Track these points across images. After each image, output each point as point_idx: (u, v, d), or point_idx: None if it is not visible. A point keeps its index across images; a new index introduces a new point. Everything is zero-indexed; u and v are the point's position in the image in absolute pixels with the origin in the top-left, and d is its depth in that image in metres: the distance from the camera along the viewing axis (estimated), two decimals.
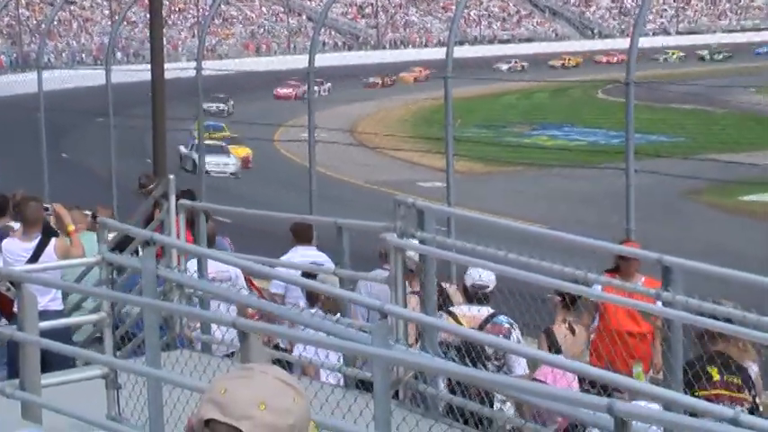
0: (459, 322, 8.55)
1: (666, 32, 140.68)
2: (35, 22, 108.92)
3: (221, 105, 71.17)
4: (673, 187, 35.75)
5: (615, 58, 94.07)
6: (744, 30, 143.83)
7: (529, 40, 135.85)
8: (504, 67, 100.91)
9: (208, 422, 2.57)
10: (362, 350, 6.02)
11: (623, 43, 16.64)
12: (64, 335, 9.17)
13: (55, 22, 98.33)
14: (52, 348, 7.46)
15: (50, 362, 8.71)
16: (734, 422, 4.51)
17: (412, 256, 8.94)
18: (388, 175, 46.37)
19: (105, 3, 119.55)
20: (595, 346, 9.75)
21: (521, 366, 8.43)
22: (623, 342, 9.38)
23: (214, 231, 11.17)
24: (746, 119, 69.92)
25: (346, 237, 9.29)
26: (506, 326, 8.60)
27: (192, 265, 9.91)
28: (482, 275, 8.75)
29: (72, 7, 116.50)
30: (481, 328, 8.53)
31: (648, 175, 19.88)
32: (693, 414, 5.03)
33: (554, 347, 8.62)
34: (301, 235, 11.70)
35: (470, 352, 7.86)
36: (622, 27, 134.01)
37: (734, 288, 7.74)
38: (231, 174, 49.22)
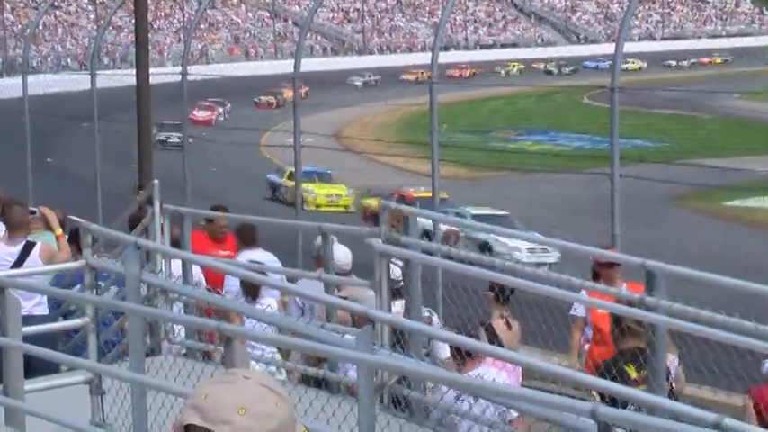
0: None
1: (652, 38, 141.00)
2: (20, 26, 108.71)
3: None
4: (657, 192, 35.83)
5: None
6: (729, 35, 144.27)
7: (514, 45, 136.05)
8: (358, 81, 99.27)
9: (188, 427, 2.56)
10: (347, 355, 6.02)
11: (608, 48, 16.67)
12: (49, 340, 9.15)
13: (40, 27, 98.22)
14: (35, 354, 7.44)
15: (35, 367, 8.69)
16: (717, 426, 4.52)
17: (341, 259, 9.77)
18: (374, 180, 46.37)
19: (90, 7, 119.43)
20: (592, 355, 9.56)
21: (444, 351, 8.78)
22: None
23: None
24: (731, 124, 70.15)
25: (330, 242, 9.30)
26: (426, 314, 9.06)
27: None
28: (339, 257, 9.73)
29: (57, 12, 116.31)
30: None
31: (633, 180, 19.92)
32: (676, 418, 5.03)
33: (496, 341, 8.71)
34: (245, 237, 11.69)
35: (399, 340, 8.02)
36: (608, 32, 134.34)
37: (717, 292, 7.77)
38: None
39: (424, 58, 18.56)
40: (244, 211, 15.37)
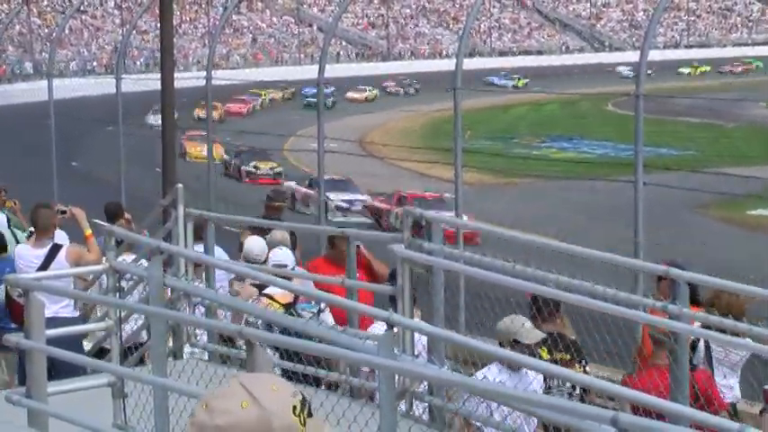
0: (276, 302, 9.35)
1: (677, 46, 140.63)
2: (47, 30, 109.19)
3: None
4: (681, 200, 35.70)
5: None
6: (755, 43, 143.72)
7: (539, 52, 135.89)
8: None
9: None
10: (368, 360, 6.02)
11: (633, 56, 16.63)
12: (74, 342, 9.18)
13: (66, 31, 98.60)
14: (58, 356, 7.46)
15: (60, 369, 8.73)
16: None
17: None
18: (397, 186, 46.30)
19: (116, 12, 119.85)
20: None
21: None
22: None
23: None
24: (756, 132, 69.83)
25: (353, 247, 9.30)
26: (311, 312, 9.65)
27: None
28: (280, 257, 10.10)
29: (83, 16, 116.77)
30: (296, 300, 9.58)
31: (657, 187, 19.86)
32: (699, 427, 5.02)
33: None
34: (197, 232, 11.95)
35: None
36: (633, 40, 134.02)
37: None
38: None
39: (449, 64, 18.54)
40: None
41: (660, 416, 5.88)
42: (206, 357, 9.60)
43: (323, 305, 9.84)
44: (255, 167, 50.82)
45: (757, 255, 30.92)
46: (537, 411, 6.38)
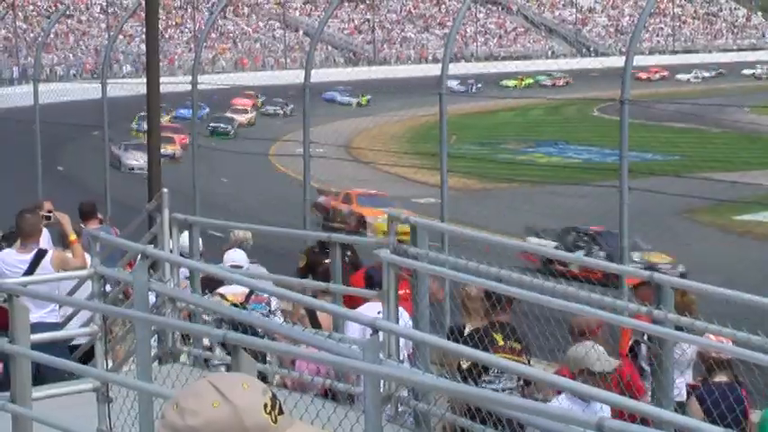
0: (227, 300, 9.64)
1: (662, 51, 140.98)
2: (32, 34, 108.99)
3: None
4: (667, 206, 35.77)
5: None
6: (740, 49, 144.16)
7: (525, 57, 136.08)
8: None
9: None
10: (353, 365, 6.02)
11: (618, 61, 16.67)
12: (59, 348, 9.16)
13: (52, 36, 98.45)
14: (42, 361, 7.45)
15: (46, 375, 8.70)
16: None
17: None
18: (383, 191, 46.32)
19: (102, 16, 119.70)
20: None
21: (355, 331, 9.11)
22: None
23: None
24: (741, 138, 70.04)
25: (338, 252, 9.30)
26: (266, 295, 9.93)
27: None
28: (235, 257, 10.44)
29: (69, 21, 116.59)
30: (247, 300, 9.85)
31: (643, 193, 19.88)
32: None
33: (316, 324, 9.41)
34: (85, 213, 12.89)
35: (237, 327, 8.26)
36: (619, 45, 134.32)
37: (724, 306, 7.77)
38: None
39: (434, 69, 18.56)
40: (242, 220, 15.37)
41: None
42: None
43: (273, 307, 9.97)
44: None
45: (744, 259, 31.02)
46: (522, 416, 6.38)
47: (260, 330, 8.44)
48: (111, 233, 12.17)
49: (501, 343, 8.27)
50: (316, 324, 9.43)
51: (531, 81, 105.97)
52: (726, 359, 8.15)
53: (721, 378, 8.20)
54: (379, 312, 9.13)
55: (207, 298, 9.42)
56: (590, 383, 6.93)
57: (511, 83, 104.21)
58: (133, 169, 46.18)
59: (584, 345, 7.75)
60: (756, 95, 79.48)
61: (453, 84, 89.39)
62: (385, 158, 53.99)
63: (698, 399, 8.15)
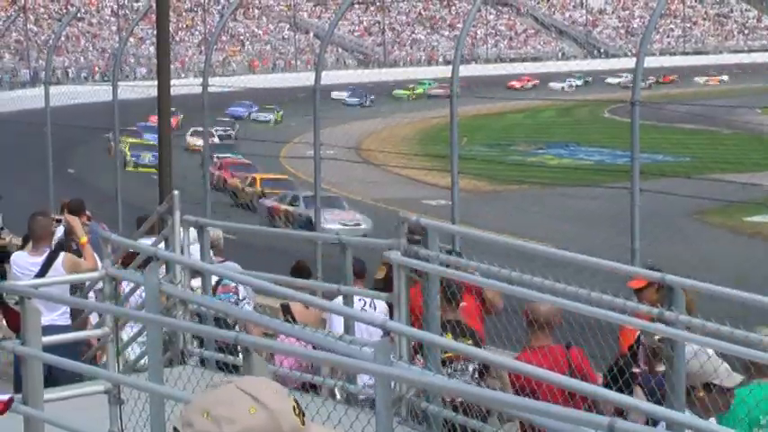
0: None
1: (673, 53, 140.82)
2: (43, 37, 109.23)
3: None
4: (677, 207, 35.73)
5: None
6: (751, 50, 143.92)
7: (535, 59, 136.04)
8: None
9: (175, 430, 2.57)
10: (365, 367, 6.03)
11: (629, 63, 16.67)
12: (70, 350, 9.18)
13: (63, 38, 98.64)
14: (53, 363, 7.47)
15: (59, 376, 8.72)
16: None
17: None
18: (393, 193, 46.36)
19: (113, 19, 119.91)
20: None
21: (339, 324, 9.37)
22: None
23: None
24: (752, 139, 69.92)
25: (349, 254, 9.30)
26: (233, 285, 10.27)
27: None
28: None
29: (80, 23, 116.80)
30: (215, 290, 10.08)
31: (653, 194, 19.84)
32: None
33: (291, 319, 9.53)
34: (73, 209, 12.87)
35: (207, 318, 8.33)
36: (629, 47, 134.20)
37: (737, 307, 7.76)
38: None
39: (444, 71, 18.58)
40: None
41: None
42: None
43: (242, 295, 10.07)
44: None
45: (755, 260, 30.96)
46: (532, 417, 6.38)
47: (230, 321, 8.66)
48: (98, 229, 12.25)
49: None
50: (290, 318, 9.58)
51: (421, 91, 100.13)
52: (652, 348, 8.20)
53: (664, 368, 8.13)
54: (360, 299, 9.75)
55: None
56: (718, 401, 6.53)
57: (403, 93, 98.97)
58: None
59: (703, 359, 6.93)
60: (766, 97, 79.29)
61: (344, 95, 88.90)
62: (395, 160, 54.01)
63: (643, 389, 8.21)
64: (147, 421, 6.96)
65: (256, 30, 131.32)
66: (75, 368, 7.67)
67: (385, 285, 9.40)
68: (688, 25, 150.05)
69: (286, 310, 9.76)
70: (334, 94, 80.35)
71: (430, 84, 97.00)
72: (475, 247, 11.89)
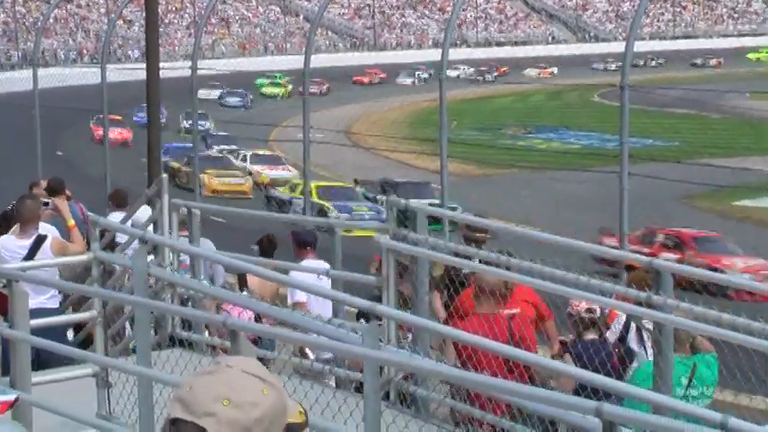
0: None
1: (662, 37, 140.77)
2: (32, 19, 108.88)
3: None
4: (666, 191, 35.78)
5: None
6: (740, 35, 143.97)
7: (525, 43, 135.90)
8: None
9: (174, 421, 2.51)
10: (353, 351, 6.03)
11: (619, 47, 16.65)
12: (59, 334, 9.16)
13: (51, 20, 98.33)
14: (42, 346, 7.45)
15: (47, 360, 8.70)
16: (723, 426, 4.52)
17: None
18: (383, 176, 46.32)
19: (101, 1, 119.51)
20: None
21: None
22: None
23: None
24: (741, 124, 70.01)
25: (338, 238, 9.30)
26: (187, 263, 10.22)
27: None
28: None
29: (68, 5, 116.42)
30: None
31: (644, 178, 19.86)
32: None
33: (246, 289, 9.77)
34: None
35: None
36: (619, 31, 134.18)
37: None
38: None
39: (434, 54, 18.53)
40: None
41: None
42: None
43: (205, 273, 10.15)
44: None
45: (742, 245, 31.02)
46: (521, 402, 6.39)
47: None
48: (76, 209, 12.28)
49: None
50: (244, 285, 9.79)
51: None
52: (594, 318, 8.67)
53: (590, 336, 8.68)
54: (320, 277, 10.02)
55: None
56: None
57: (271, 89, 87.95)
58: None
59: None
60: (756, 82, 79.43)
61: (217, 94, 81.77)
62: (385, 144, 54.01)
63: (572, 355, 8.56)
64: (136, 404, 6.95)
65: (246, 12, 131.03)
66: (63, 351, 7.67)
67: (444, 284, 9.31)
68: (678, 9, 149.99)
69: (242, 281, 9.85)
70: (201, 93, 77.88)
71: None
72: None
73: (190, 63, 20.19)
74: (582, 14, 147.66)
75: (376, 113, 76.53)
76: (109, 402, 7.55)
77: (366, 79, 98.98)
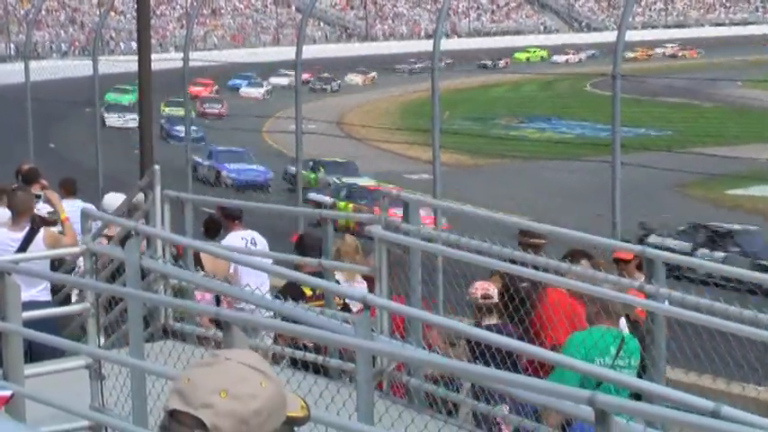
0: None
1: (654, 26, 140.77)
2: (22, 11, 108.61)
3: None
4: (659, 180, 35.82)
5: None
6: (732, 23, 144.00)
7: (517, 32, 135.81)
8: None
9: (172, 412, 2.53)
10: (345, 341, 6.03)
11: (611, 36, 16.65)
12: (51, 326, 9.16)
13: (43, 12, 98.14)
14: (34, 339, 7.45)
15: (41, 353, 8.70)
16: (715, 414, 4.53)
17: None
18: (375, 167, 46.36)
19: None
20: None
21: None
22: None
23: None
24: (733, 112, 70.05)
25: (330, 228, 9.31)
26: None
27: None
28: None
29: None
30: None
31: (635, 168, 19.88)
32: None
33: (200, 267, 9.98)
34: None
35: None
36: (611, 20, 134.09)
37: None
38: None
39: (426, 45, 18.50)
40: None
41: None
42: None
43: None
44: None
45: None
46: (514, 391, 6.40)
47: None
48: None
49: (309, 293, 9.17)
50: (199, 264, 9.99)
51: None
52: (494, 303, 8.76)
53: (491, 320, 8.73)
54: (243, 239, 10.91)
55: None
56: None
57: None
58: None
59: None
60: (749, 70, 79.46)
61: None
62: (377, 134, 53.98)
63: (469, 342, 8.48)
64: (129, 396, 6.96)
65: (237, 4, 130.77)
66: (56, 343, 7.66)
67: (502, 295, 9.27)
68: None
69: (197, 260, 10.05)
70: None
71: None
72: (456, 221, 11.90)
73: (182, 54, 20.17)
74: (574, 4, 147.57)
75: (368, 104, 76.50)
76: (102, 394, 7.55)
77: (360, 80, 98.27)
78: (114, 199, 11.89)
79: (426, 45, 17.70)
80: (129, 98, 53.69)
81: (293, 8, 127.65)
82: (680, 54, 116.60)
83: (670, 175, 32.39)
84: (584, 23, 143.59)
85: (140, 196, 11.28)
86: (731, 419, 4.49)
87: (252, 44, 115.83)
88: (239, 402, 2.50)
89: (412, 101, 69.03)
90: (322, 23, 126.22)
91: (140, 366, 6.82)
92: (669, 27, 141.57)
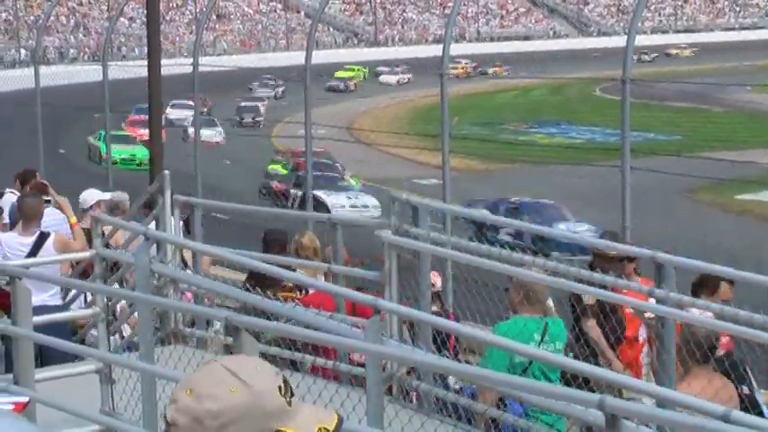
0: None
1: (664, 31, 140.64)
2: (33, 17, 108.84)
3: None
4: (668, 185, 35.77)
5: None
6: (742, 28, 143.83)
7: (527, 38, 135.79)
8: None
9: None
10: (355, 345, 6.04)
11: (621, 41, 16.64)
12: (62, 330, 9.18)
13: (52, 18, 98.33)
14: (45, 343, 7.46)
15: (51, 357, 8.72)
16: (725, 419, 4.53)
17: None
18: (385, 172, 46.35)
19: None
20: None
21: None
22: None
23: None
24: (742, 117, 69.92)
25: (340, 233, 9.31)
26: None
27: None
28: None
29: (70, 3, 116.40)
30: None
31: (644, 172, 19.80)
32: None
33: (183, 263, 10.14)
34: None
35: None
36: (621, 24, 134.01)
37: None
38: None
39: (436, 50, 18.51)
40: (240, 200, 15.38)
41: None
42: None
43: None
44: None
45: (743, 238, 31.03)
46: (524, 395, 6.40)
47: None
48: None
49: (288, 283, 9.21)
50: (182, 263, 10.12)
51: None
52: (435, 292, 8.99)
53: (432, 308, 8.82)
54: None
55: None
56: None
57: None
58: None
59: None
60: (759, 75, 79.34)
61: None
62: (387, 140, 53.95)
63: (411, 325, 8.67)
64: (139, 400, 6.97)
65: (247, 9, 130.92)
66: (66, 348, 7.68)
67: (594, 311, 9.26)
68: (679, 3, 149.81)
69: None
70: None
71: None
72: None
73: (191, 60, 20.20)
74: (583, 9, 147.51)
75: (377, 109, 76.50)
76: (112, 398, 7.56)
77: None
78: (90, 195, 12.03)
79: (436, 50, 17.70)
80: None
81: (302, 13, 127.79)
82: (674, 53, 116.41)
83: (679, 180, 32.36)
84: (593, 29, 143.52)
85: (123, 196, 11.41)
86: (741, 424, 4.49)
87: (262, 49, 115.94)
88: (196, 401, 2.51)
89: (421, 106, 69.01)
90: (331, 28, 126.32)
91: (150, 370, 6.83)
92: (679, 32, 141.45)
